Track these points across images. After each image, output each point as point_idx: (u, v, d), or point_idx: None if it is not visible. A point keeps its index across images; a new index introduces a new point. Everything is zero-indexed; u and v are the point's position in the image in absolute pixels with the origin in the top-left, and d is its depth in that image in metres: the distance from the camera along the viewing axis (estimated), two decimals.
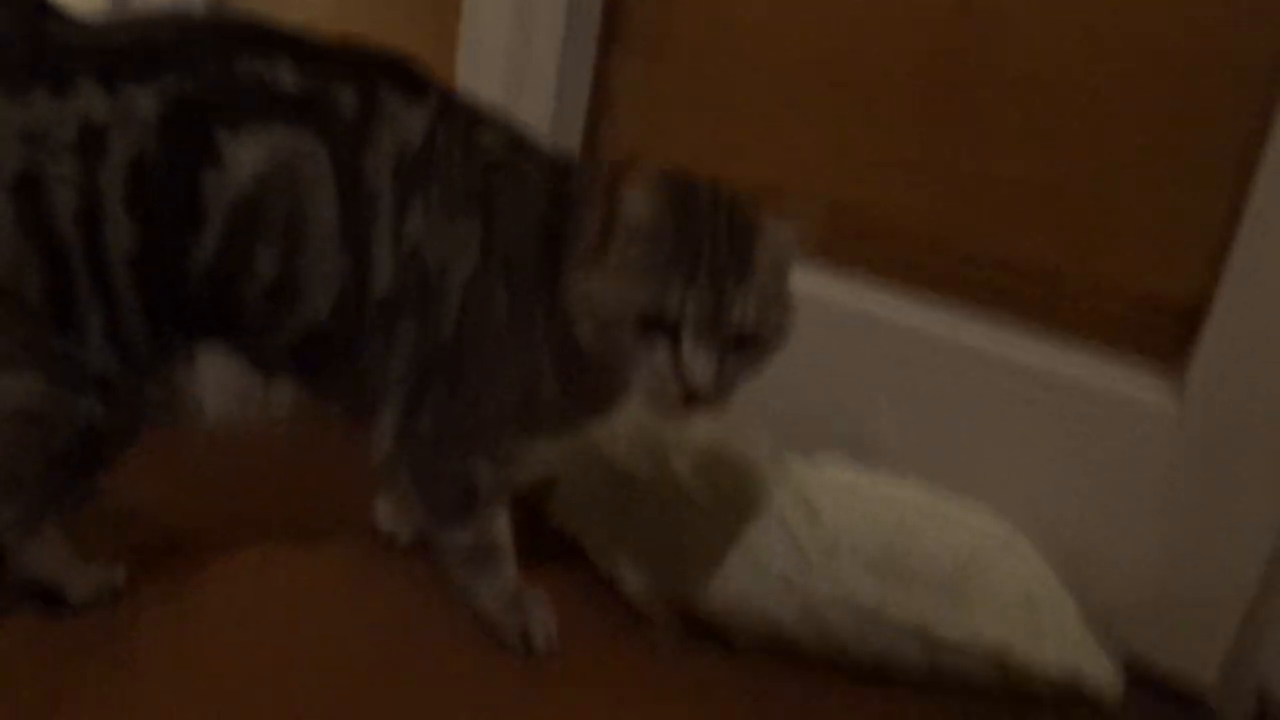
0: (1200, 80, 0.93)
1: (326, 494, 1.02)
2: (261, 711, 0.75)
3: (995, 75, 1.02)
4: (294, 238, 0.74)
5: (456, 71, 1.33)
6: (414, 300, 0.77)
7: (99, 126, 0.69)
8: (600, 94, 1.28)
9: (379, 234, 0.76)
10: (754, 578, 0.87)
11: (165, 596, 0.84)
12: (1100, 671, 0.88)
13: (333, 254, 0.75)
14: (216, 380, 0.78)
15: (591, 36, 1.25)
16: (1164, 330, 0.95)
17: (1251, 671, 0.92)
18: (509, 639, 0.85)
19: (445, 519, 0.85)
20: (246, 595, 0.87)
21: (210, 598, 0.86)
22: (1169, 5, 0.93)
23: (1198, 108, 0.93)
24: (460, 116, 0.79)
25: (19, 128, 0.67)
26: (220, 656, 0.80)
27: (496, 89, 1.26)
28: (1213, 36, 0.91)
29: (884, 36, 1.07)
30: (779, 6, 1.13)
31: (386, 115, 0.75)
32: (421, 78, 0.78)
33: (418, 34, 1.45)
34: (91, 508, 0.84)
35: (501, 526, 0.86)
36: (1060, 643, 0.87)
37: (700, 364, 0.70)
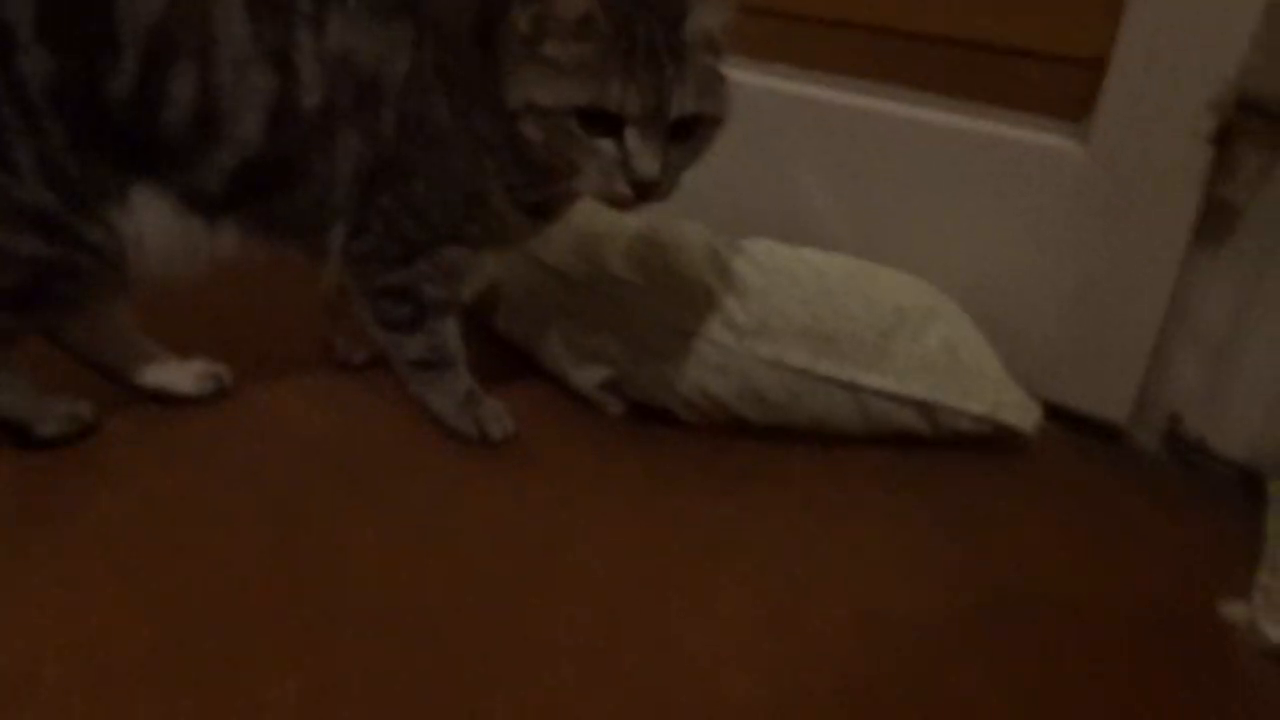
0: None
1: (281, 328, 1.05)
2: (244, 517, 0.80)
3: None
4: (208, 57, 0.75)
5: None
6: (349, 110, 0.78)
7: None
8: None
9: (300, 44, 0.76)
10: (692, 357, 0.92)
11: (132, 427, 0.88)
12: (1018, 407, 0.94)
13: (253, 71, 0.76)
14: (155, 222, 0.79)
15: None
16: (1069, 83, 0.98)
17: (1161, 398, 0.99)
18: (465, 430, 0.90)
19: (396, 330, 0.89)
20: (215, 420, 0.91)
21: (180, 425, 0.89)
22: None
23: None
24: None
25: None
26: (195, 484, 0.84)
27: None
28: None
29: None
30: None
31: None
32: None
33: None
34: (54, 346, 0.88)
35: (451, 333, 0.90)
36: (980, 385, 0.93)
37: (647, 157, 0.72)
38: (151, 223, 0.79)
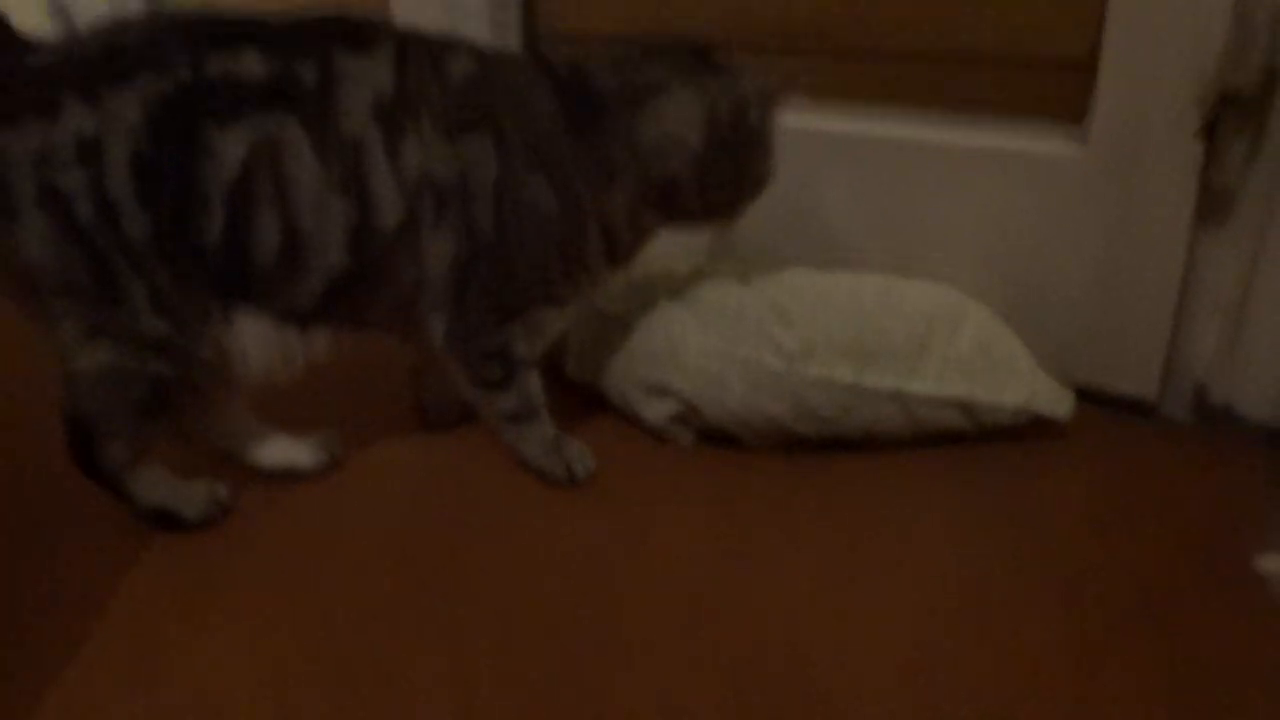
0: None
1: (376, 392, 1.17)
2: (374, 561, 0.91)
3: None
4: (286, 202, 0.86)
5: None
6: (434, 219, 0.90)
7: (91, 138, 0.80)
8: None
9: (374, 172, 0.87)
10: (748, 383, 1.01)
11: (262, 499, 1.00)
12: (1052, 396, 1.03)
13: (330, 206, 0.86)
14: (255, 337, 0.91)
15: None
16: (1062, 88, 1.06)
17: (1186, 370, 1.07)
18: (555, 474, 1.01)
19: (490, 388, 1.00)
20: (332, 482, 1.03)
21: (302, 490, 1.01)
22: None
23: None
24: (422, 55, 0.90)
25: (26, 154, 0.80)
26: (327, 534, 0.96)
27: None
28: None
29: None
30: None
31: (346, 76, 0.86)
32: (366, 27, 0.89)
33: None
34: (185, 442, 1.00)
35: (536, 386, 1.01)
36: (1014, 380, 1.02)
37: None
38: (252, 338, 0.91)
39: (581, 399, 1.14)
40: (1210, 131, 0.95)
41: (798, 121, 1.16)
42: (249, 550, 0.94)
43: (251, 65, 0.84)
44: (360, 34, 0.88)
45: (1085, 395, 1.08)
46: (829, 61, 1.21)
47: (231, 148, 0.83)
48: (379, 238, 0.89)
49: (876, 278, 1.07)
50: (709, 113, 0.93)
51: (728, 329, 1.03)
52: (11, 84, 0.81)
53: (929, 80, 1.15)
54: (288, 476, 1.03)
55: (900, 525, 0.94)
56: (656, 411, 1.07)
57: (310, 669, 0.80)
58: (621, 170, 0.94)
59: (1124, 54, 0.99)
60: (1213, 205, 0.99)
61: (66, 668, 0.80)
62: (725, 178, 0.96)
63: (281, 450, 1.03)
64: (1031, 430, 1.05)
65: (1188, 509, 0.95)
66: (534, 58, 0.96)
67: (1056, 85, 1.07)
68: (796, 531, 0.93)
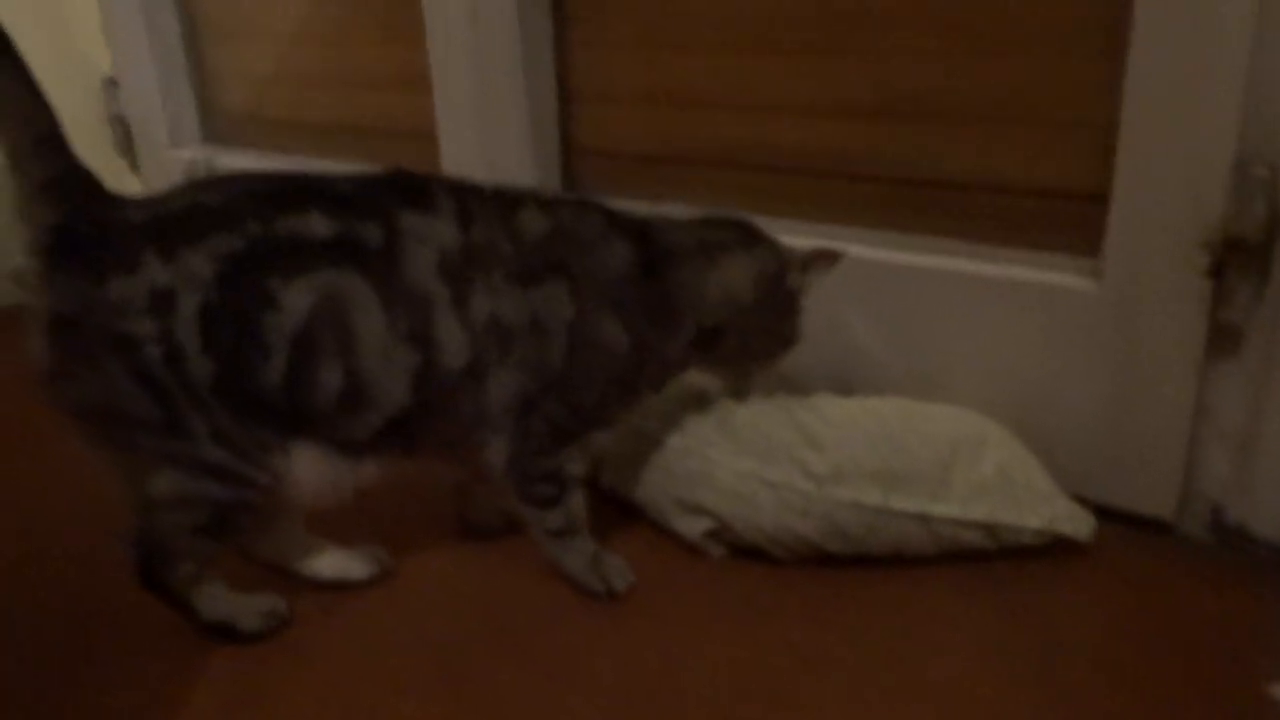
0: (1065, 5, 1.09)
1: (419, 503, 1.22)
2: (421, 678, 0.95)
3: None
4: (350, 353, 0.92)
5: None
6: (498, 359, 0.97)
7: (165, 290, 0.88)
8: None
9: (441, 323, 0.94)
10: (779, 504, 1.06)
11: (316, 609, 1.05)
12: (1072, 517, 1.07)
13: (396, 355, 0.93)
14: (310, 466, 0.97)
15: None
16: (1077, 220, 1.13)
17: (1202, 490, 1.11)
18: (594, 588, 1.06)
19: (541, 506, 1.05)
20: (382, 592, 1.08)
21: (355, 600, 1.07)
22: None
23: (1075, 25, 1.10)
24: (489, 212, 0.97)
25: (107, 304, 0.87)
26: (378, 645, 1.00)
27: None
28: None
29: None
30: None
31: (410, 233, 0.93)
32: (426, 187, 0.97)
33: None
34: (244, 557, 1.05)
35: (581, 504, 1.07)
36: (1036, 502, 1.06)
37: None
38: (307, 467, 0.96)
39: (617, 509, 1.19)
40: (1218, 271, 1.00)
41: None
42: (300, 668, 0.98)
43: (316, 225, 0.91)
44: (422, 194, 0.96)
45: (1105, 513, 1.12)
46: (847, 185, 1.28)
47: (296, 300, 0.90)
48: (443, 379, 0.95)
49: (900, 401, 1.12)
50: (759, 273, 1.08)
51: (759, 452, 1.08)
52: (100, 241, 0.89)
53: (949, 208, 1.22)
54: (341, 587, 1.08)
55: (928, 648, 0.97)
56: (690, 527, 1.12)
57: None
58: (684, 315, 1.05)
59: (1133, 193, 1.05)
60: (1222, 339, 1.04)
61: None
62: (764, 330, 1.10)
63: (335, 563, 1.09)
64: (1054, 547, 1.09)
65: (1204, 631, 0.98)
66: (599, 210, 1.04)
67: (1072, 218, 1.14)
68: (827, 653, 0.97)
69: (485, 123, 1.54)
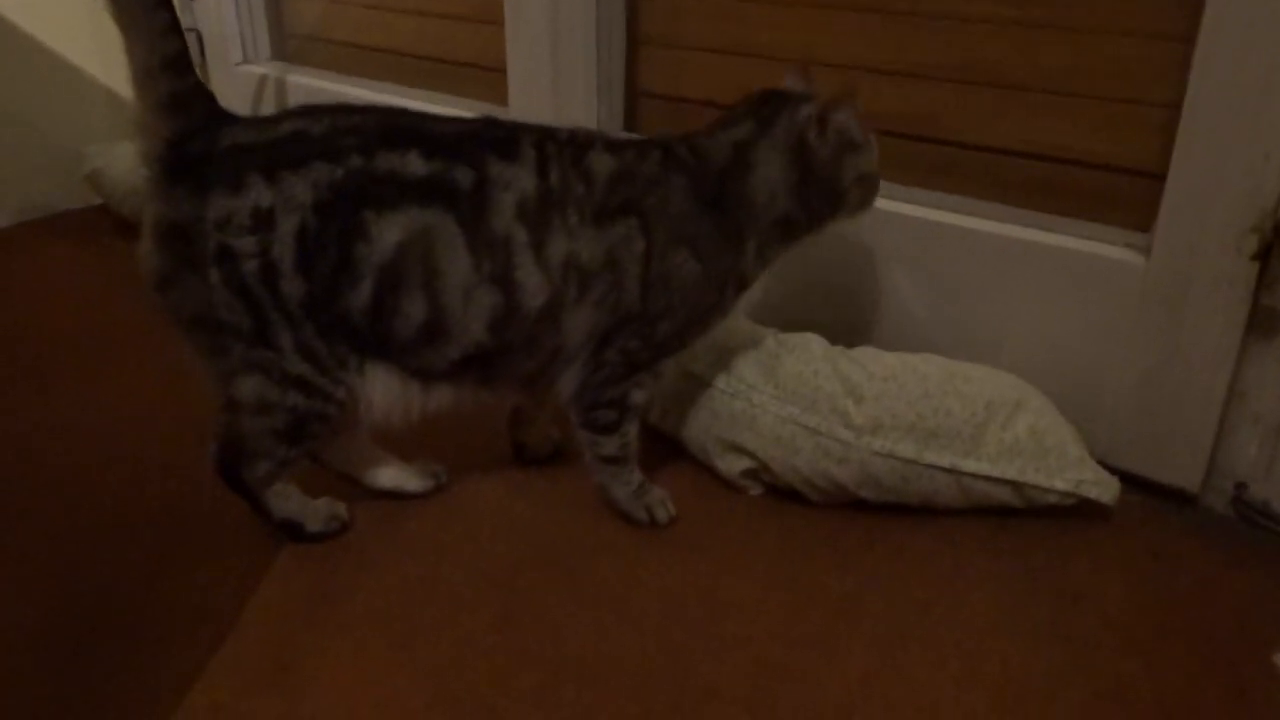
0: None
1: (477, 429, 1.28)
2: (474, 594, 1.03)
3: None
4: (435, 288, 0.98)
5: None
6: (577, 297, 1.01)
7: (266, 210, 0.94)
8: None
9: (520, 265, 0.99)
10: (817, 450, 1.11)
11: (378, 522, 1.12)
12: (1099, 482, 1.11)
13: (478, 293, 0.98)
14: (384, 386, 1.03)
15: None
16: (1133, 195, 1.15)
17: (1227, 467, 1.15)
18: (637, 516, 1.12)
19: (601, 432, 1.10)
20: (438, 511, 1.15)
21: (413, 516, 1.14)
22: None
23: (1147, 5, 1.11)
24: (564, 157, 1.01)
25: (211, 218, 0.94)
26: (432, 558, 1.08)
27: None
28: None
29: None
30: None
31: (497, 180, 0.98)
32: (512, 134, 1.01)
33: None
34: (313, 463, 1.13)
35: (635, 434, 1.12)
36: (1064, 465, 1.10)
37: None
38: (381, 388, 1.03)
39: (663, 446, 1.25)
40: (1265, 256, 1.03)
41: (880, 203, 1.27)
42: (361, 572, 1.06)
43: (414, 164, 0.96)
44: (508, 142, 1.00)
45: (1130, 480, 1.16)
46: (906, 145, 1.31)
47: (387, 233, 0.95)
48: (522, 318, 1.01)
49: (942, 360, 1.16)
50: (786, 150, 1.06)
51: (802, 399, 1.13)
52: (211, 158, 0.95)
53: (1005, 174, 1.24)
54: (398, 497, 1.15)
55: (954, 601, 1.02)
56: (731, 465, 1.17)
57: (416, 684, 0.91)
58: (748, 226, 1.06)
59: (1189, 174, 1.07)
60: (1262, 323, 1.06)
61: (205, 670, 0.93)
62: (822, 190, 1.08)
63: (394, 475, 1.16)
64: (1079, 509, 1.13)
65: (1218, 601, 1.03)
66: (658, 147, 1.07)
67: (1126, 193, 1.16)
68: (859, 600, 1.02)
69: (554, 61, 1.56)
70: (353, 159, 0.95)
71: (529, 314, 1.01)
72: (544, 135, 1.03)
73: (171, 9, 0.93)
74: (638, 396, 1.09)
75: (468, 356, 1.02)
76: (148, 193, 0.96)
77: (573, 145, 1.03)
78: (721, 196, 1.05)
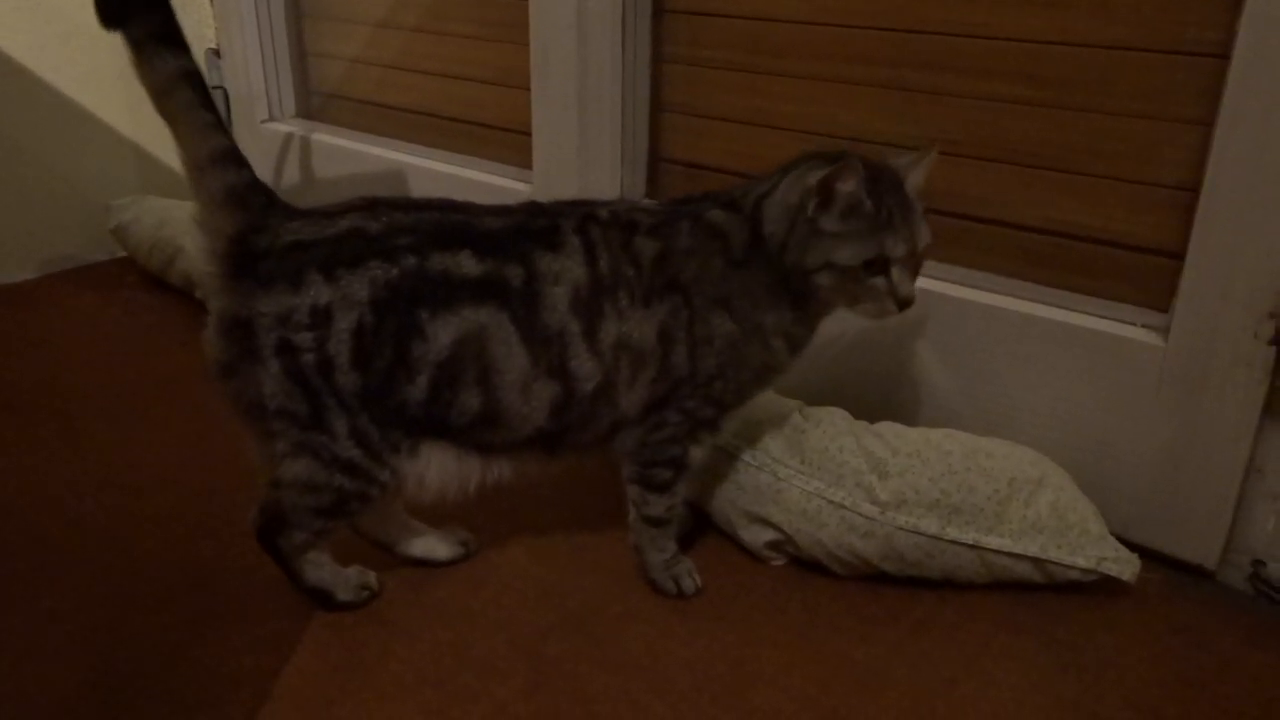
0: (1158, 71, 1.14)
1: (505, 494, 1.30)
2: (505, 662, 1.04)
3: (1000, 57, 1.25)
4: (492, 383, 1.01)
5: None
6: (630, 373, 1.04)
7: (324, 307, 0.97)
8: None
9: (574, 355, 1.02)
10: (842, 524, 1.13)
11: (408, 588, 1.14)
12: (1119, 560, 1.13)
13: (535, 387, 1.02)
14: (439, 465, 1.06)
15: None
16: (1150, 279, 1.18)
17: (1244, 544, 1.16)
18: (665, 586, 1.14)
19: (654, 490, 1.11)
20: (467, 577, 1.17)
21: (442, 583, 1.15)
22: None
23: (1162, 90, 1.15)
24: (612, 242, 1.04)
25: (272, 314, 0.97)
26: (464, 627, 1.09)
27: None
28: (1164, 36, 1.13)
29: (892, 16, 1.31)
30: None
31: (546, 274, 1.01)
32: (553, 218, 1.05)
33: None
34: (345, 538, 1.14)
35: (681, 499, 1.14)
36: (1085, 543, 1.12)
37: (907, 284, 1.02)
38: (435, 466, 1.05)
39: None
40: None
41: None
42: (392, 640, 1.07)
43: (466, 264, 1.00)
44: (551, 231, 1.04)
45: (1147, 554, 1.18)
46: (948, 222, 1.33)
47: (442, 333, 0.99)
48: (579, 401, 1.04)
49: (965, 436, 1.18)
50: (794, 215, 1.02)
51: (828, 474, 1.15)
52: (272, 255, 0.98)
53: (1023, 250, 1.28)
54: (426, 565, 1.17)
55: (980, 678, 1.04)
56: (755, 536, 1.19)
57: None
58: (777, 280, 1.04)
59: (1208, 256, 1.10)
60: (1279, 405, 1.09)
61: None
62: (791, 263, 1.03)
63: (425, 544, 1.17)
64: (1099, 584, 1.14)
65: (1238, 677, 1.04)
66: (688, 218, 1.08)
67: (1145, 273, 1.19)
68: (885, 672, 1.04)
69: (581, 127, 1.60)
70: (408, 259, 0.99)
71: (585, 397, 1.04)
72: (585, 218, 1.06)
73: (214, 109, 0.97)
74: (696, 454, 1.11)
75: (525, 440, 1.05)
76: (212, 287, 0.99)
77: (616, 227, 1.06)
78: (749, 253, 1.06)
